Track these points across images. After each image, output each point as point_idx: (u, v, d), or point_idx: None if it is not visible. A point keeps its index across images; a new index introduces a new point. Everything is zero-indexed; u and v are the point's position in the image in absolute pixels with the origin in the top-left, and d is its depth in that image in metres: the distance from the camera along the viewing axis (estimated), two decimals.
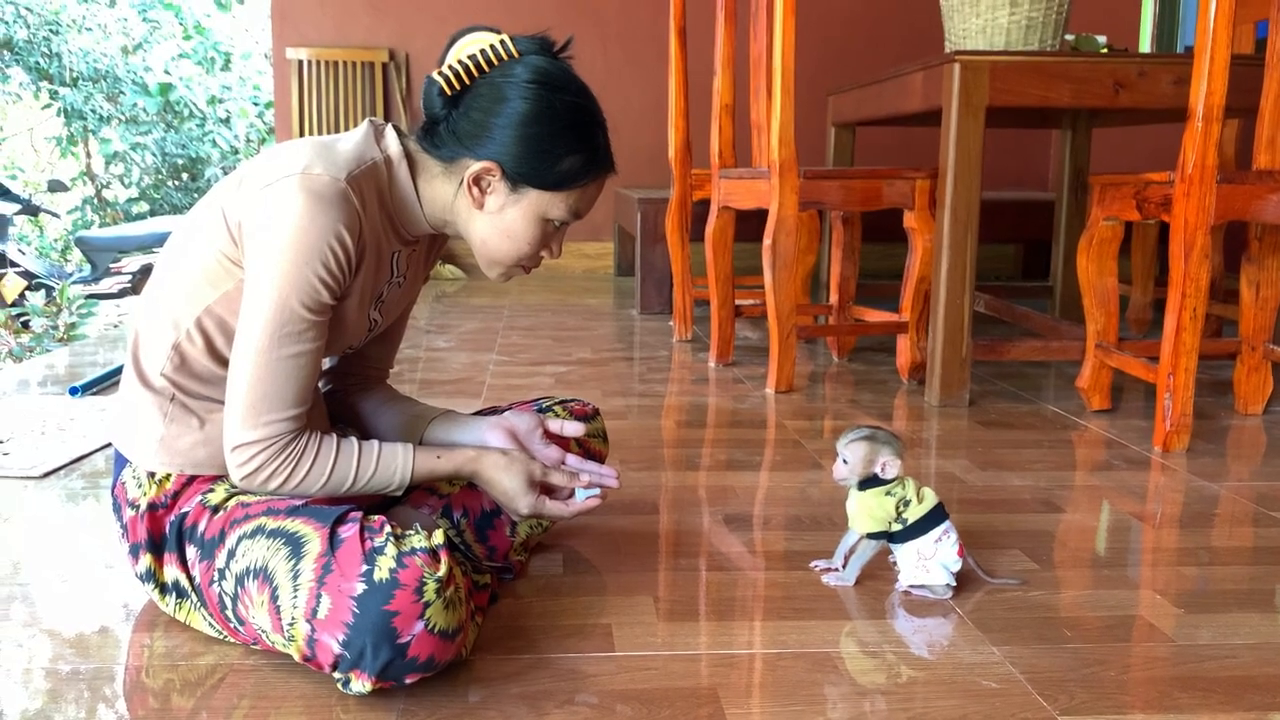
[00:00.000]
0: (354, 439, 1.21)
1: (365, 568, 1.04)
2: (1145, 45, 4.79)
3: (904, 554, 1.37)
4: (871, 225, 3.26)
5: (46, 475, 1.86)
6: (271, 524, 1.13)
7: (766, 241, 2.58)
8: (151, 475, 1.23)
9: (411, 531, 1.10)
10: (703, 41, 3.85)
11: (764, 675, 1.16)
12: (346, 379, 1.45)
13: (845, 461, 1.38)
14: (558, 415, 1.48)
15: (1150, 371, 2.17)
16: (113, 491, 1.28)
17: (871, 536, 1.38)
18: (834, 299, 3.08)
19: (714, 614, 1.32)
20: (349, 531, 1.08)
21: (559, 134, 1.19)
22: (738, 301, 3.05)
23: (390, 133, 1.23)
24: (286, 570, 1.07)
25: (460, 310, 4.06)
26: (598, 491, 1.32)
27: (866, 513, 1.37)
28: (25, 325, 5.01)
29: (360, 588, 1.03)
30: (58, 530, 1.61)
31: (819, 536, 1.59)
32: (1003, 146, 4.68)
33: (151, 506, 1.22)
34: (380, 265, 1.25)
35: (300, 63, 5.04)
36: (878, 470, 1.36)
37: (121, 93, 9.27)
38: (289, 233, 1.10)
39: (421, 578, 1.04)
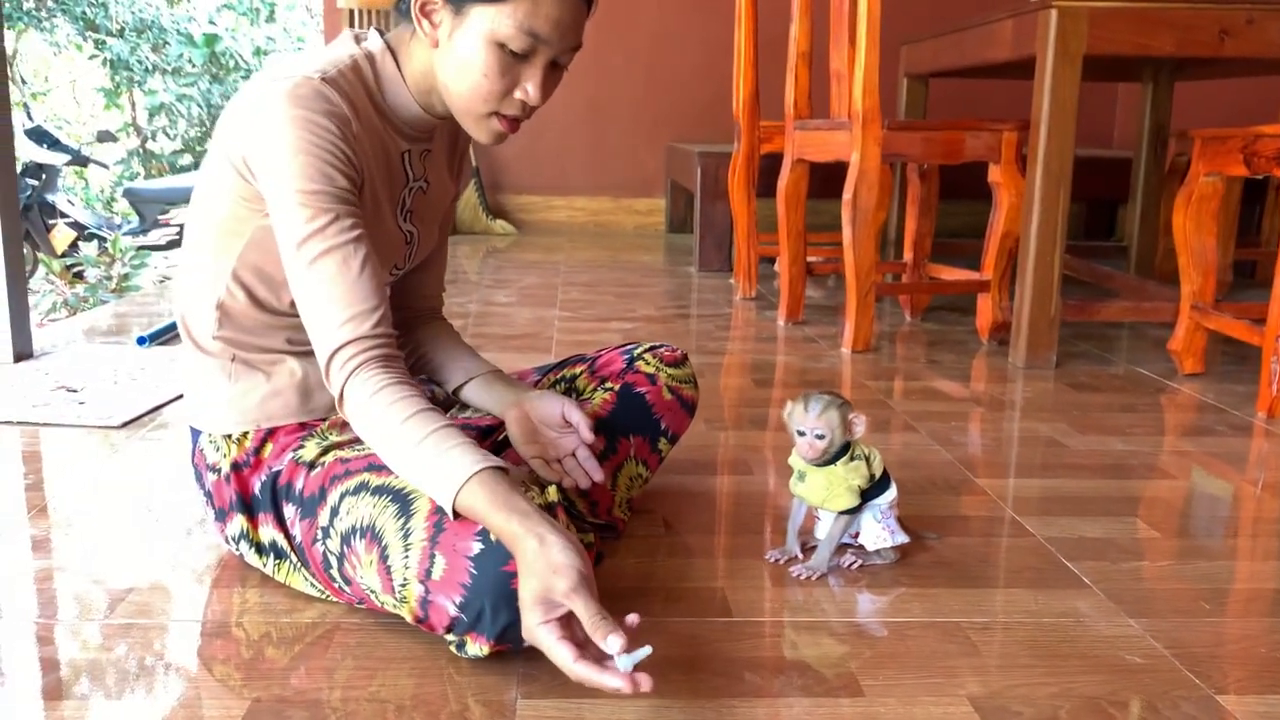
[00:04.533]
0: (441, 415, 1.06)
1: (481, 526, 0.99)
2: None
3: (865, 518, 1.28)
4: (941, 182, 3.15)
5: (125, 425, 1.83)
6: (376, 480, 1.08)
7: (846, 195, 2.50)
8: (228, 437, 1.20)
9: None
10: None
11: (895, 645, 1.10)
12: (399, 313, 1.39)
13: (821, 436, 1.21)
14: (648, 362, 1.41)
15: (1254, 334, 2.07)
16: (192, 461, 1.26)
17: (847, 512, 1.25)
18: (908, 256, 2.99)
19: (831, 581, 1.26)
20: None
21: None
22: (807, 259, 2.97)
23: (372, 32, 1.19)
24: (396, 529, 1.03)
25: (514, 266, 4.00)
26: (642, 655, 0.92)
27: (844, 487, 1.23)
28: (79, 276, 5.01)
29: (477, 547, 0.98)
30: (142, 481, 1.58)
31: (925, 500, 1.53)
32: None
33: (235, 466, 1.20)
34: (391, 167, 1.20)
35: (351, 12, 4.95)
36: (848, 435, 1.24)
37: (166, 43, 9.22)
38: (279, 133, 1.06)
39: None
